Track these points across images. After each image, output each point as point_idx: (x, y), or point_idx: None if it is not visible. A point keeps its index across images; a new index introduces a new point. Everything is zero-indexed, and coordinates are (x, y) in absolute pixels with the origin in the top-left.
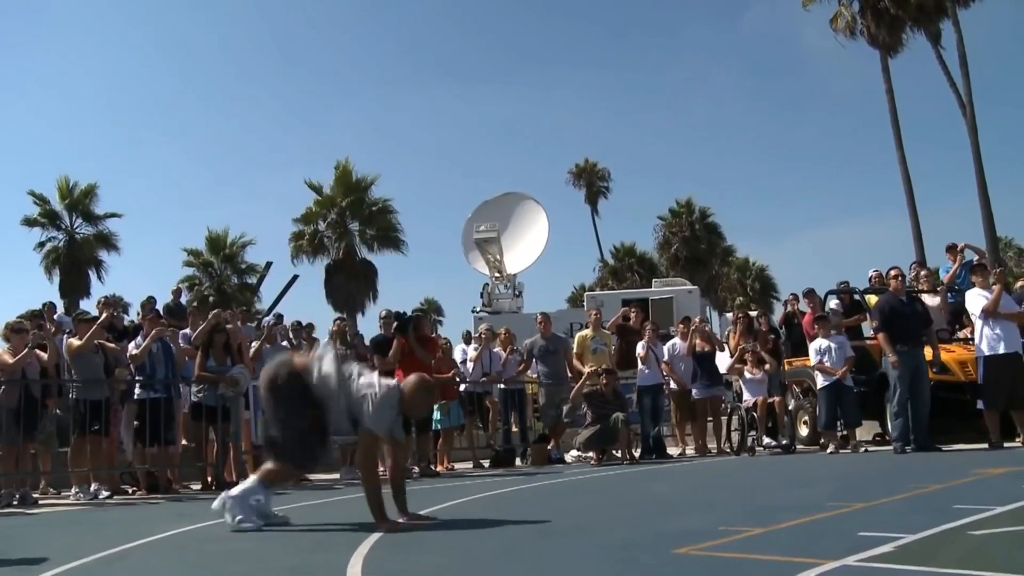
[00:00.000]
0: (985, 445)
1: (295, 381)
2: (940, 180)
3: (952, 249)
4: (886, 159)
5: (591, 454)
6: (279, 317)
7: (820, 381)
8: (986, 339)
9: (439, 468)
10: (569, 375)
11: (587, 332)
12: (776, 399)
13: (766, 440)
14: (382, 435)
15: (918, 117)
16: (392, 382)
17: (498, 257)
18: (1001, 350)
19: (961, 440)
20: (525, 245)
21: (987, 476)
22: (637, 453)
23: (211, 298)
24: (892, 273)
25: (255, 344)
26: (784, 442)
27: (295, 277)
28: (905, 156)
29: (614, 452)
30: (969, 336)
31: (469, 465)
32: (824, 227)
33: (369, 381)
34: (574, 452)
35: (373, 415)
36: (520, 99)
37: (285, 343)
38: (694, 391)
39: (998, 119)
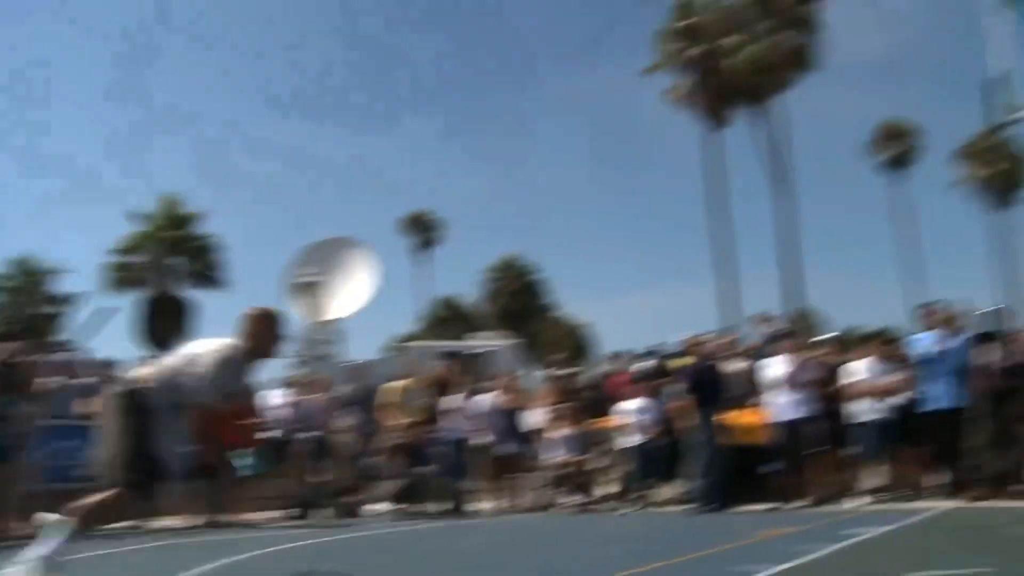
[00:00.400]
0: (774, 506)
1: (124, 397)
2: (756, 250)
3: (761, 316)
4: (708, 226)
5: (397, 507)
6: (84, 351)
7: (626, 441)
8: (783, 404)
9: (239, 517)
10: (380, 426)
11: (401, 383)
12: (582, 458)
13: (569, 498)
14: (216, 398)
15: (741, 188)
16: (231, 340)
17: (319, 302)
18: (797, 415)
19: (754, 501)
20: (349, 292)
21: (769, 538)
22: (443, 508)
23: (13, 327)
24: (700, 339)
25: (54, 379)
26: (586, 501)
27: (107, 310)
28: (728, 224)
29: (420, 506)
30: (768, 401)
31: (272, 515)
32: (647, 289)
33: (204, 348)
34: (380, 505)
35: (213, 375)
36: (358, 143)
37: (88, 379)
38: (502, 447)
39: (812, 195)
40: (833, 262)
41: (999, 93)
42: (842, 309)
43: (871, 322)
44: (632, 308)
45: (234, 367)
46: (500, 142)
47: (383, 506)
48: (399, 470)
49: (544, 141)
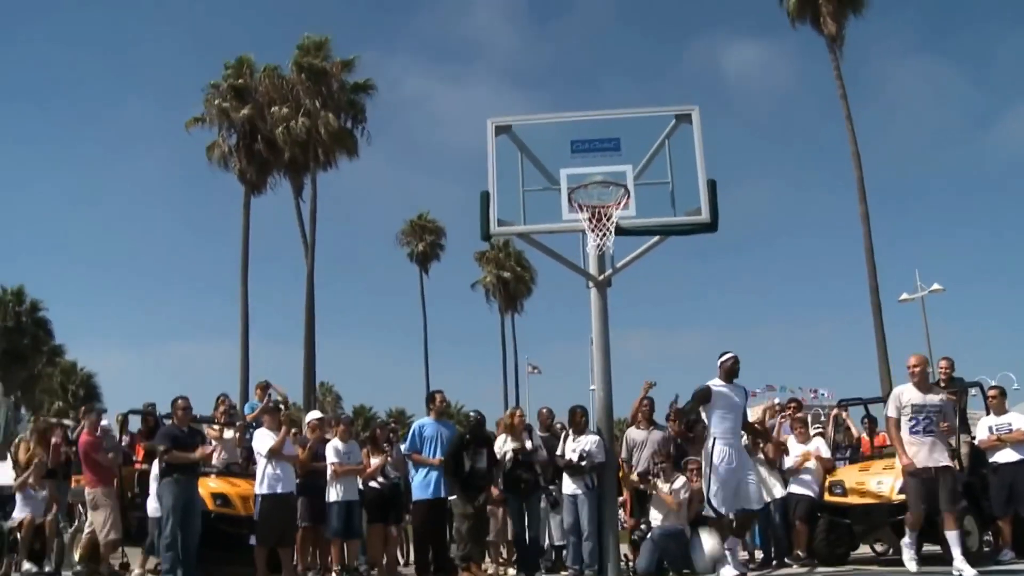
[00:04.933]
0: None
1: None
2: (278, 317)
3: (262, 386)
4: (242, 287)
5: None
6: None
7: None
8: (266, 478)
9: None
10: None
11: None
12: (47, 519)
13: (26, 566)
14: None
15: (280, 255)
16: None
17: None
18: (279, 490)
19: (235, 573)
20: None
21: None
22: None
23: None
24: (179, 404)
25: None
26: (48, 569)
27: None
28: (248, 288)
29: None
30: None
31: None
32: (164, 343)
33: None
34: None
35: None
36: None
37: None
38: None
39: (349, 273)
40: (360, 341)
41: (486, 208)
42: (357, 386)
43: (386, 403)
44: (149, 360)
45: None
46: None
47: None
48: None
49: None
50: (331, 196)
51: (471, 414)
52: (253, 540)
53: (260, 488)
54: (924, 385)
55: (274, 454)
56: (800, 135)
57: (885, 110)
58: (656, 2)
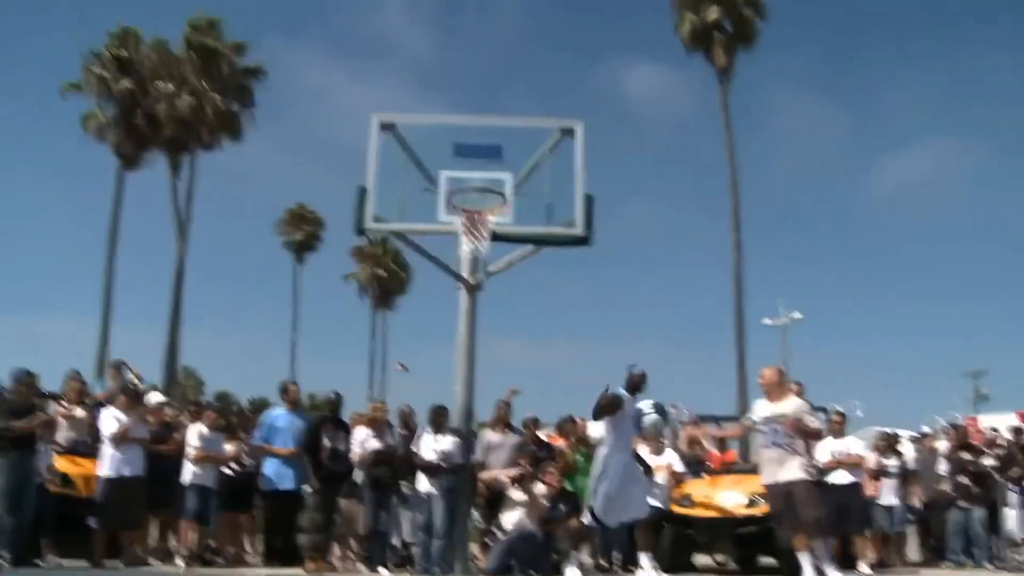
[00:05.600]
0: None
1: None
2: (145, 299)
3: (115, 366)
4: (106, 263)
5: None
6: None
7: None
8: (110, 459)
9: None
10: None
11: None
12: None
13: None
14: None
15: (141, 232)
16: None
17: None
18: (126, 473)
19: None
20: None
21: None
22: None
23: None
24: (19, 376)
25: None
26: None
27: None
28: (113, 265)
29: None
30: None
31: None
32: (13, 315)
33: None
34: None
35: None
36: None
37: None
38: None
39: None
40: (229, 327)
41: (362, 202)
42: (220, 373)
43: (249, 392)
44: (4, 331)
45: None
46: None
47: None
48: None
49: None
50: (211, 179)
51: (330, 395)
52: (93, 522)
53: (104, 470)
54: (774, 396)
55: (120, 439)
56: (690, 160)
57: (771, 142)
58: (567, 21)
